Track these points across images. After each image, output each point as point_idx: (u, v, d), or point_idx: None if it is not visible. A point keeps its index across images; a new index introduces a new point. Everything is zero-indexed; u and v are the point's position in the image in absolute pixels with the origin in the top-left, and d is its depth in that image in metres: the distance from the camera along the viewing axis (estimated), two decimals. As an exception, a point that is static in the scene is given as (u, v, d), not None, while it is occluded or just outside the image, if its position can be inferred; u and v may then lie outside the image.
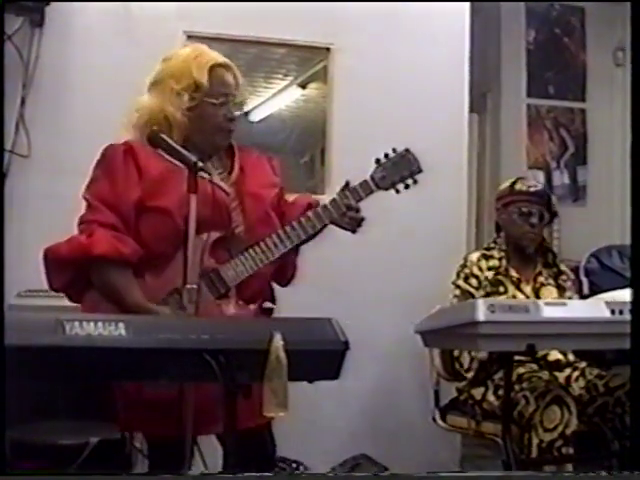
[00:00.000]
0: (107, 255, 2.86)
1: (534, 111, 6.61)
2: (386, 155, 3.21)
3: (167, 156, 2.87)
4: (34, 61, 4.44)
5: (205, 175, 2.80)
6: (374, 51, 4.99)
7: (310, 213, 3.10)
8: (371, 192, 3.17)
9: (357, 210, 3.15)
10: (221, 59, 3.13)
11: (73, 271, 2.95)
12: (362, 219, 3.17)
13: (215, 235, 2.96)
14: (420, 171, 3.24)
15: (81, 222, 2.99)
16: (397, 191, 3.22)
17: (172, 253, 2.90)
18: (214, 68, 3.08)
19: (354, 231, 3.17)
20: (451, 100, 5.13)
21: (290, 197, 3.33)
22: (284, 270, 3.24)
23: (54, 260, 2.98)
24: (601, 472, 2.23)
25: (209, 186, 2.88)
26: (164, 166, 2.93)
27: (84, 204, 3.04)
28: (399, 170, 3.21)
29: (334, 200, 3.13)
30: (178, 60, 3.12)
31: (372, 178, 3.17)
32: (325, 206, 3.12)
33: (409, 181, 3.24)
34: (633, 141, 2.73)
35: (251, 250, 3.00)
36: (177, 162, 2.84)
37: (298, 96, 5.25)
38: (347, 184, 3.16)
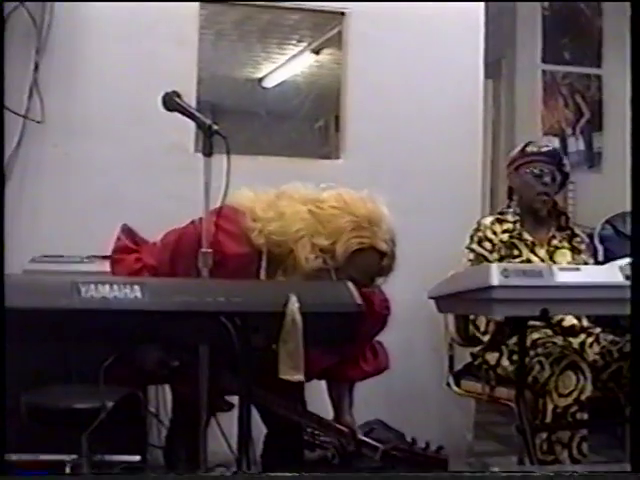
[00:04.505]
0: None
1: (549, 77, 6.59)
2: None
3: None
4: (47, 26, 4.43)
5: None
6: (388, 16, 4.95)
7: None
8: None
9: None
10: (379, 244, 2.88)
11: None
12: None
13: None
14: None
15: (150, 249, 2.99)
16: None
17: None
18: (360, 252, 2.86)
19: None
20: (466, 66, 5.10)
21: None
22: None
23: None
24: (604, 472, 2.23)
25: None
26: None
27: (161, 243, 2.99)
28: None
29: None
30: (340, 211, 2.87)
31: None
32: None
33: None
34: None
35: None
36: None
37: (312, 62, 5.23)
38: None
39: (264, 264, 2.90)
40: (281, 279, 2.88)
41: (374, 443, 3.22)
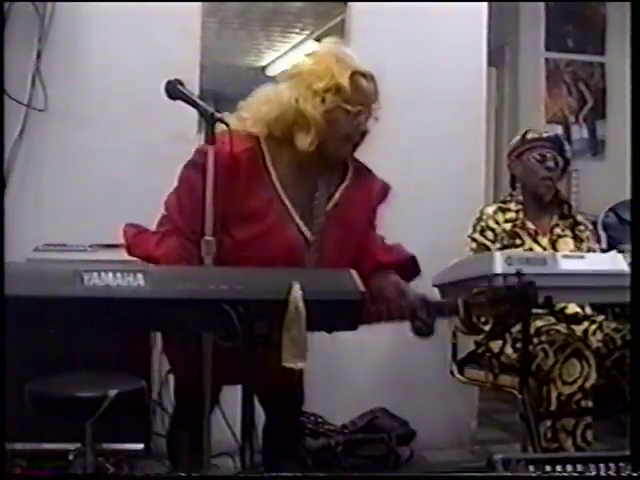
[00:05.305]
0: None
1: (552, 65, 6.57)
2: None
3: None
4: (50, 14, 4.42)
5: (223, 126, 2.76)
6: (391, 5, 4.93)
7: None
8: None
9: (429, 326, 3.10)
10: (363, 67, 2.96)
11: None
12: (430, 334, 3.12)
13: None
14: None
15: (160, 222, 2.93)
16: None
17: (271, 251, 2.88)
18: (356, 75, 2.92)
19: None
20: (469, 54, 5.09)
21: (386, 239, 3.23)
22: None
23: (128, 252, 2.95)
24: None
25: (291, 230, 2.92)
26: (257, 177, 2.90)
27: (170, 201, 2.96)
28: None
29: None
30: (318, 59, 2.96)
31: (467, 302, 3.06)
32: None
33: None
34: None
35: None
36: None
37: (315, 50, 5.22)
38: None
39: (267, 153, 2.94)
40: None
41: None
